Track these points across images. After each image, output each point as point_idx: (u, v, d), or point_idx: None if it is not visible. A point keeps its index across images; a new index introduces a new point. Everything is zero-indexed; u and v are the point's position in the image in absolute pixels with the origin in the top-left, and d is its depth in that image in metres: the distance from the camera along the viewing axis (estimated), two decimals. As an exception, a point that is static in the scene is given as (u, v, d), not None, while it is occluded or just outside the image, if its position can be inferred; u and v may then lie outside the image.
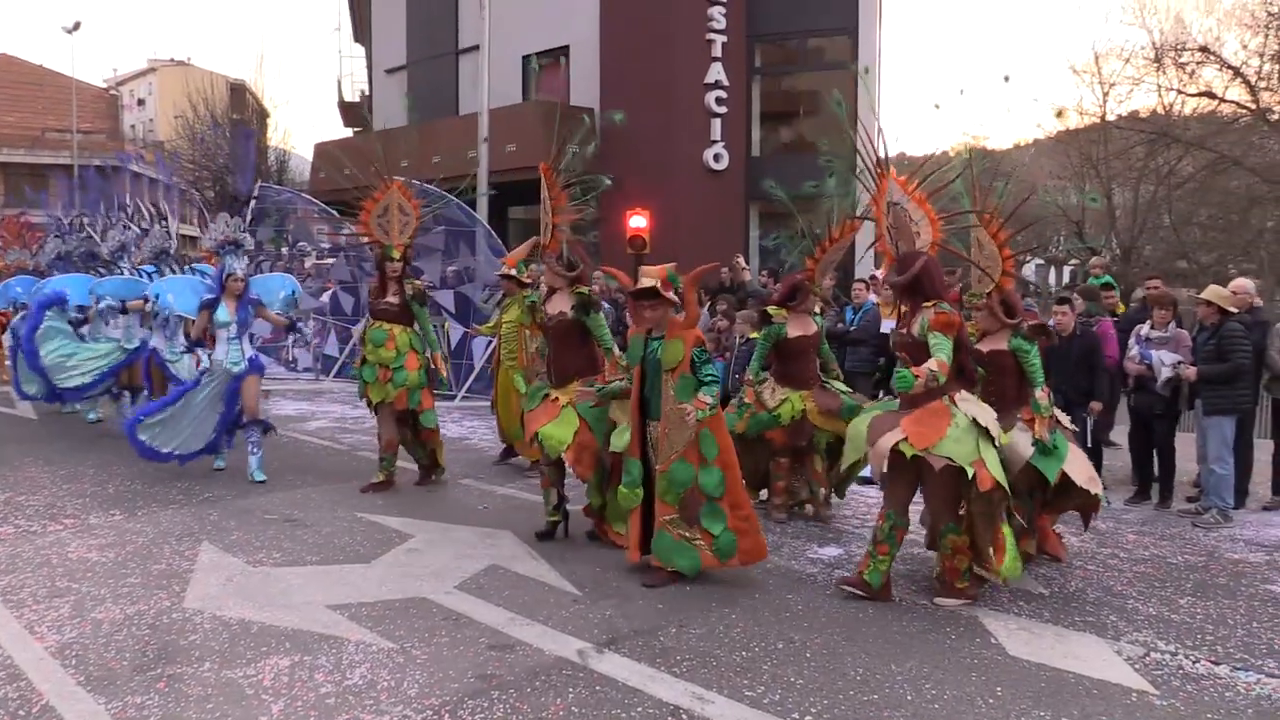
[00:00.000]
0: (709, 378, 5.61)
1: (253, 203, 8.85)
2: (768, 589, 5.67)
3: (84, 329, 10.55)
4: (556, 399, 6.44)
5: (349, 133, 30.23)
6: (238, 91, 39.05)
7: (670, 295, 5.70)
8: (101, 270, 11.16)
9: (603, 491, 6.52)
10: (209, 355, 8.20)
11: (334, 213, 15.29)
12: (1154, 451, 8.17)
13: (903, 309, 5.60)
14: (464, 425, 11.89)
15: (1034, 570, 6.11)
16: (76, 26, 40.81)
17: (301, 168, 31.54)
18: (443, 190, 14.06)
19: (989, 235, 5.92)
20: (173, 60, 61.66)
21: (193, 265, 10.49)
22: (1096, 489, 5.85)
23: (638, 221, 16.46)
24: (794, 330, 7.21)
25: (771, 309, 7.33)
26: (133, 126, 57.07)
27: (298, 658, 4.52)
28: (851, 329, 9.70)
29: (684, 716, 4.01)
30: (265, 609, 5.15)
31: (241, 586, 5.54)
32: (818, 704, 4.14)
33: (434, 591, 5.49)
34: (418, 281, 8.28)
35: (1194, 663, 4.68)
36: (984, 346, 5.98)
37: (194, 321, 8.36)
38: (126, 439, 8.12)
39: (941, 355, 5.13)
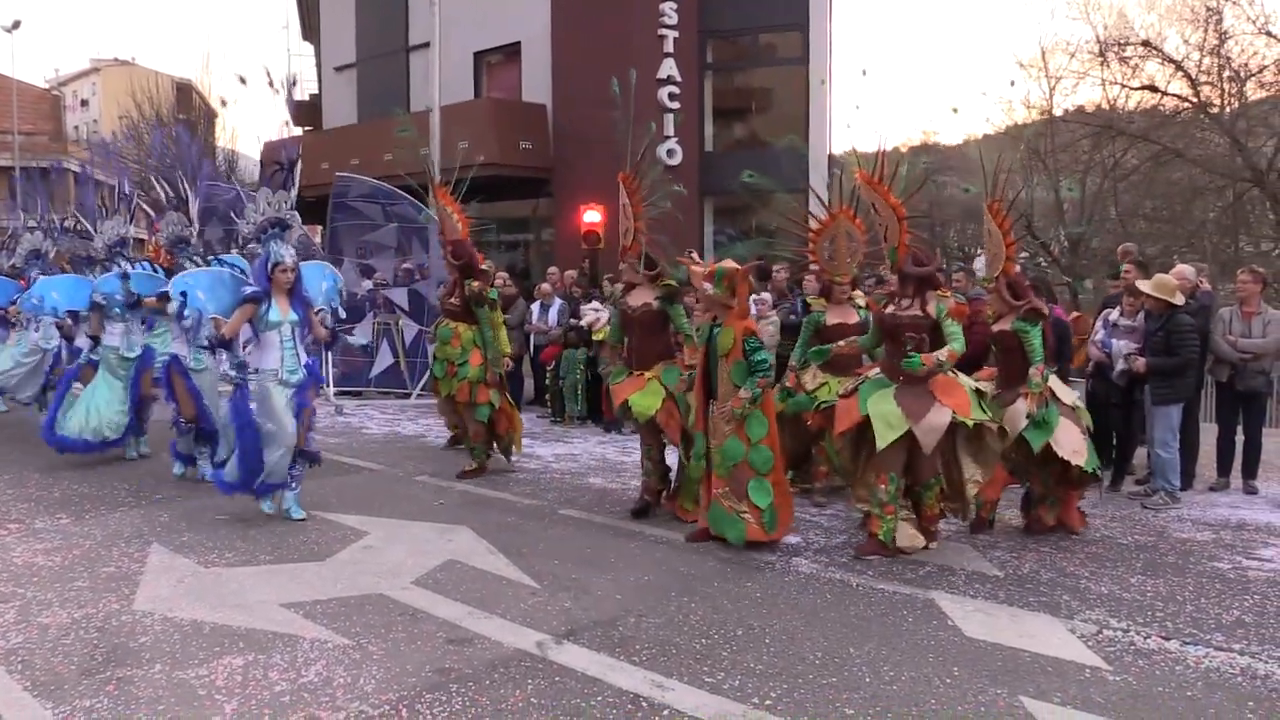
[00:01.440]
0: (758, 366, 6.05)
1: (299, 168, 7.41)
2: (726, 577, 5.68)
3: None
4: (642, 374, 6.99)
5: (299, 131, 29.82)
6: (184, 91, 38.35)
7: (704, 287, 6.15)
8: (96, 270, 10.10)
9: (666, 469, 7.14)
10: (235, 361, 6.74)
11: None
12: (1108, 435, 8.29)
13: (905, 292, 6.06)
14: (420, 423, 11.82)
15: (989, 553, 6.21)
16: (16, 25, 39.59)
17: (250, 168, 31.04)
18: (392, 187, 13.95)
19: (996, 223, 6.18)
20: (116, 60, 60.34)
21: (219, 257, 8.80)
22: (1079, 460, 6.21)
23: (592, 216, 16.47)
24: (833, 318, 7.53)
25: (810, 298, 7.76)
26: (76, 128, 55.77)
27: (251, 657, 4.45)
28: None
29: (644, 704, 3.99)
30: (218, 609, 5.06)
31: (193, 587, 5.44)
32: (777, 688, 4.15)
33: (390, 587, 5.42)
34: (474, 284, 8.35)
35: (1145, 638, 4.76)
36: (995, 327, 6.48)
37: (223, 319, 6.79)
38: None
39: (955, 345, 5.83)
